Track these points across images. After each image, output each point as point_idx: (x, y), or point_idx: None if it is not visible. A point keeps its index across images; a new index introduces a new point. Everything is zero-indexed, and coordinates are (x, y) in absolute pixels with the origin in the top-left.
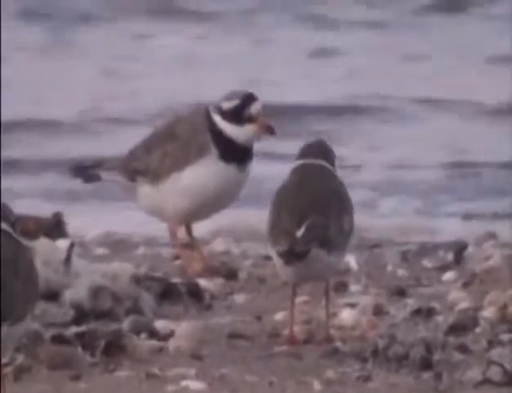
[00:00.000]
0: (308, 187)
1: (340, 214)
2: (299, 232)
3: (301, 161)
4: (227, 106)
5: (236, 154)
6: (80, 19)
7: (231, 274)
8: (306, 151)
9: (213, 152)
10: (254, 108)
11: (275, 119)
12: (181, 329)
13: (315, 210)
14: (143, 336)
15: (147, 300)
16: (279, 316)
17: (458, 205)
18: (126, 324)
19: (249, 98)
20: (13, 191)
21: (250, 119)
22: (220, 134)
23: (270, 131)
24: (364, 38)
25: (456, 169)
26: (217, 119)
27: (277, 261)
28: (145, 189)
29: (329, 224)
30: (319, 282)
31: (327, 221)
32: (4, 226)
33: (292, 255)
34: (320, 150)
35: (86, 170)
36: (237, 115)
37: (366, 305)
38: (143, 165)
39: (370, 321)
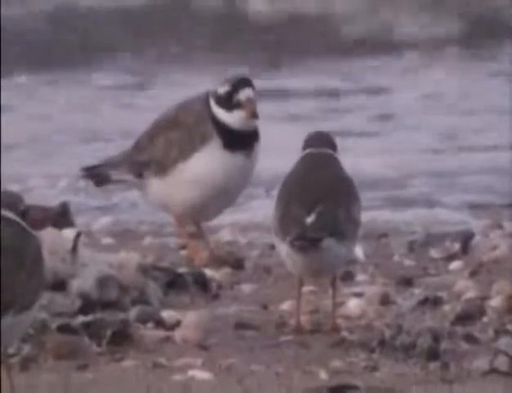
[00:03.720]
0: (317, 176)
1: (350, 204)
2: (309, 219)
3: (308, 150)
4: (220, 91)
5: (238, 140)
6: None
7: (237, 264)
8: (312, 141)
9: (215, 140)
10: (243, 94)
11: None
12: (188, 319)
13: (324, 198)
14: (150, 325)
15: (154, 289)
16: (285, 306)
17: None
18: (132, 314)
19: (239, 84)
20: None
21: (238, 106)
22: (218, 121)
23: (255, 116)
24: None
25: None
26: (213, 104)
27: (287, 253)
28: (152, 183)
29: (339, 214)
30: (328, 274)
31: (337, 210)
32: (10, 214)
33: (303, 242)
34: (326, 139)
35: (96, 171)
36: (227, 100)
37: (373, 295)
38: (147, 157)
39: (377, 311)
